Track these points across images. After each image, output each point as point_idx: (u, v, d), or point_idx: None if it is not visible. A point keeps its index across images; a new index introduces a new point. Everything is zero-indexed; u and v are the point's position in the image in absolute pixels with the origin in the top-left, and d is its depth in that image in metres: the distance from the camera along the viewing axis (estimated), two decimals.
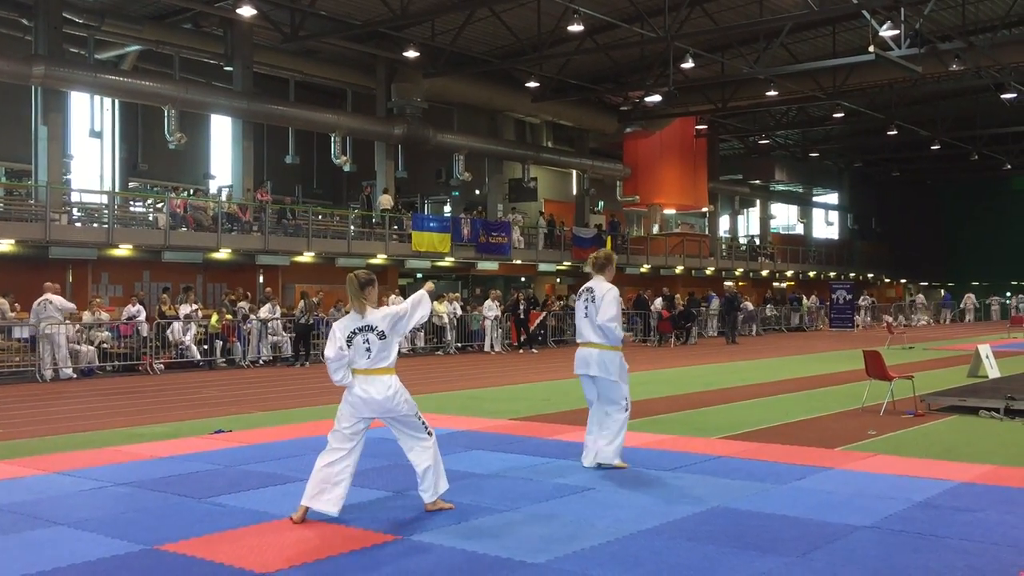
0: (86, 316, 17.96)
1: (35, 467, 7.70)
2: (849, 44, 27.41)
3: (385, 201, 26.93)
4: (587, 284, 7.58)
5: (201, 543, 5.36)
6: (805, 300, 37.72)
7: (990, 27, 25.90)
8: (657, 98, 30.56)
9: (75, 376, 16.68)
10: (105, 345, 17.91)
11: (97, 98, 25.87)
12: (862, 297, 38.10)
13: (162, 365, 18.06)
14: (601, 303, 7.29)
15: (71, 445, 9.03)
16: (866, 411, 11.15)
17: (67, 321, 16.95)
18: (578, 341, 7.59)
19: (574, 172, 36.02)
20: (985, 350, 15.47)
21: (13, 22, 22.21)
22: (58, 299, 16.76)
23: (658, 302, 27.66)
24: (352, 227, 26.02)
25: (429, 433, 6.07)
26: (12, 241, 19.13)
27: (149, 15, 24.22)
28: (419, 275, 30.86)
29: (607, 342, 7.31)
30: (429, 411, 11.39)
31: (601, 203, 37.43)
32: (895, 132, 37.05)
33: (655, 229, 38.01)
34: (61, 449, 8.75)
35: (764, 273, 43.30)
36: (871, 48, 22.55)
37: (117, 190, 25.77)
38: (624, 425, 7.47)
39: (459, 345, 23.97)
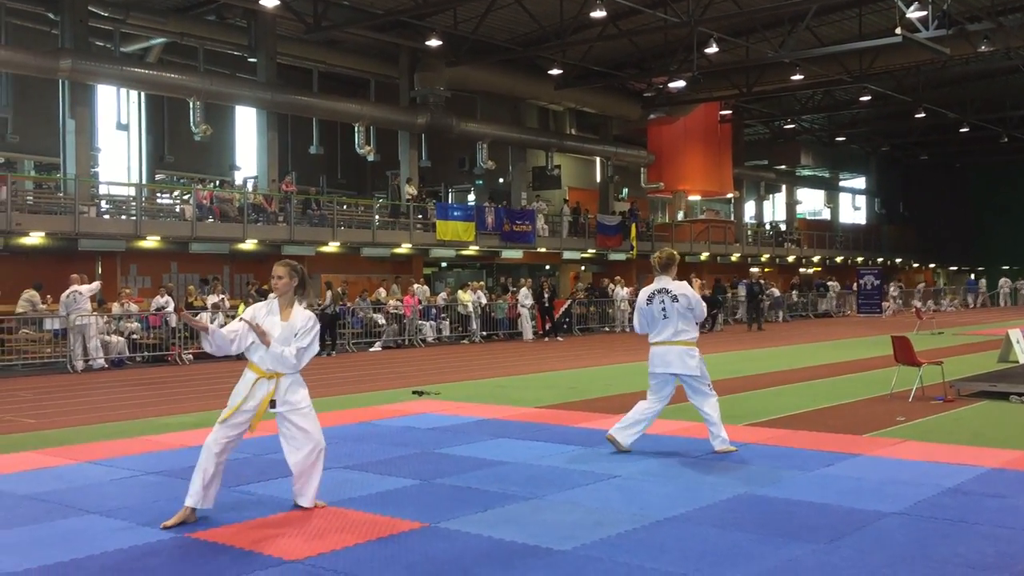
0: (115, 307, 18.16)
1: (67, 456, 7.81)
2: (876, 26, 27.05)
3: (409, 190, 26.98)
4: (656, 285, 7.70)
5: (231, 531, 5.42)
6: (835, 285, 37.41)
7: (1019, 7, 25.49)
8: (681, 84, 30.36)
9: (107, 366, 16.89)
10: (135, 336, 18.11)
11: (123, 91, 26.07)
12: (893, 286, 37.72)
13: (191, 355, 18.24)
14: (691, 300, 7.55)
15: (102, 435, 9.14)
16: (895, 397, 11.06)
17: (96, 313, 17.15)
18: (656, 340, 7.67)
19: (598, 159, 35.90)
20: (1016, 335, 15.28)
21: (40, 16, 22.42)
22: (85, 287, 16.98)
23: None
24: (377, 217, 26.09)
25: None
26: (42, 234, 19.35)
27: (173, 7, 24.36)
28: (443, 264, 30.96)
29: (686, 338, 7.56)
30: (456, 399, 11.46)
31: (625, 190, 37.29)
32: (923, 115, 36.57)
33: (680, 216, 37.82)
34: (92, 439, 8.87)
35: (791, 259, 42.98)
36: (898, 30, 22.26)
37: (144, 182, 25.99)
38: (718, 409, 7.66)
39: (484, 334, 24.00)
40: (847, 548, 4.95)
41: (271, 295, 5.98)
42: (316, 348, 5.91)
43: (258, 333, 5.63)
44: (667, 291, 7.57)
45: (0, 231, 18.60)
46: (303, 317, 5.79)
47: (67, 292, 16.72)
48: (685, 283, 7.67)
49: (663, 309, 7.57)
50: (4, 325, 17.17)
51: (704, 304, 7.71)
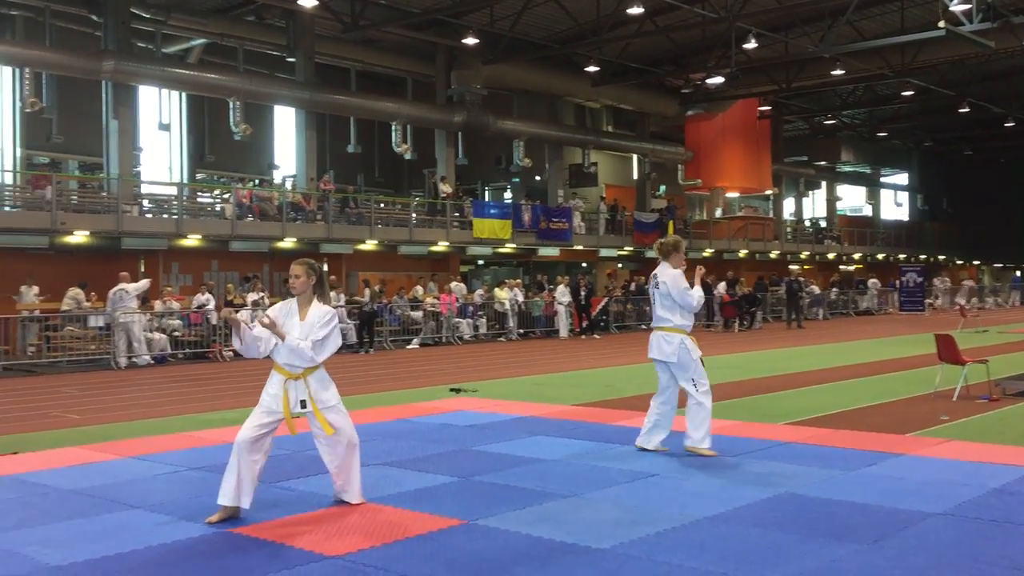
0: (158, 305, 18.43)
1: (111, 452, 7.94)
2: (918, 19, 26.64)
3: (445, 188, 27.07)
4: (655, 271, 7.71)
5: (272, 527, 5.47)
6: (875, 283, 36.93)
7: None
8: (719, 80, 30.13)
9: (150, 363, 17.14)
10: (176, 333, 18.36)
11: (165, 91, 26.44)
12: (940, 280, 37.13)
13: (231, 352, 18.44)
14: (670, 287, 7.44)
15: (146, 431, 9.28)
16: (938, 396, 10.89)
17: (140, 310, 17.41)
18: (651, 325, 7.81)
19: (635, 156, 35.74)
20: None
21: (83, 18, 22.80)
22: (132, 285, 17.25)
23: (721, 286, 27.35)
24: (414, 215, 26.21)
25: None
26: (86, 233, 19.68)
27: (213, 8, 24.66)
28: (480, 262, 31.02)
29: (667, 325, 7.48)
30: (493, 397, 11.48)
31: (663, 187, 37.10)
32: (967, 110, 35.97)
33: (718, 213, 37.54)
34: (136, 434, 9.00)
35: (831, 256, 42.48)
36: (941, 23, 21.89)
37: (185, 181, 26.34)
38: (701, 408, 7.43)
39: (521, 331, 24.01)
40: (890, 549, 4.88)
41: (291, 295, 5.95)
42: (337, 341, 5.86)
43: (269, 327, 5.64)
44: (656, 277, 7.63)
45: (46, 230, 18.95)
46: (320, 312, 5.77)
47: (114, 289, 16.99)
48: (675, 271, 7.54)
49: (653, 295, 7.67)
50: (50, 322, 17.50)
51: (695, 294, 7.40)
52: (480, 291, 24.87)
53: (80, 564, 4.79)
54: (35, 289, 18.06)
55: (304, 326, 5.72)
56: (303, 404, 5.72)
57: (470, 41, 24.71)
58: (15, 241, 18.92)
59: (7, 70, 22.82)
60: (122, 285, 17.07)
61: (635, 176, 36.28)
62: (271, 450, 5.82)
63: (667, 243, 7.75)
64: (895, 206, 53.05)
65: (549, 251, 29.36)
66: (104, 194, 21.76)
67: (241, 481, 5.57)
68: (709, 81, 30.70)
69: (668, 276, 7.49)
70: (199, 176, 28.36)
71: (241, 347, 5.79)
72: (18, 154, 23.75)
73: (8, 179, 22.72)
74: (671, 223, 32.08)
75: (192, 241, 21.37)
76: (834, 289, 35.36)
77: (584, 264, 32.53)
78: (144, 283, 17.61)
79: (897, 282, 36.52)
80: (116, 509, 5.95)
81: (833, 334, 23.77)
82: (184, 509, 5.90)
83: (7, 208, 20.60)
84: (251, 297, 19.53)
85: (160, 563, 4.83)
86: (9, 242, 18.81)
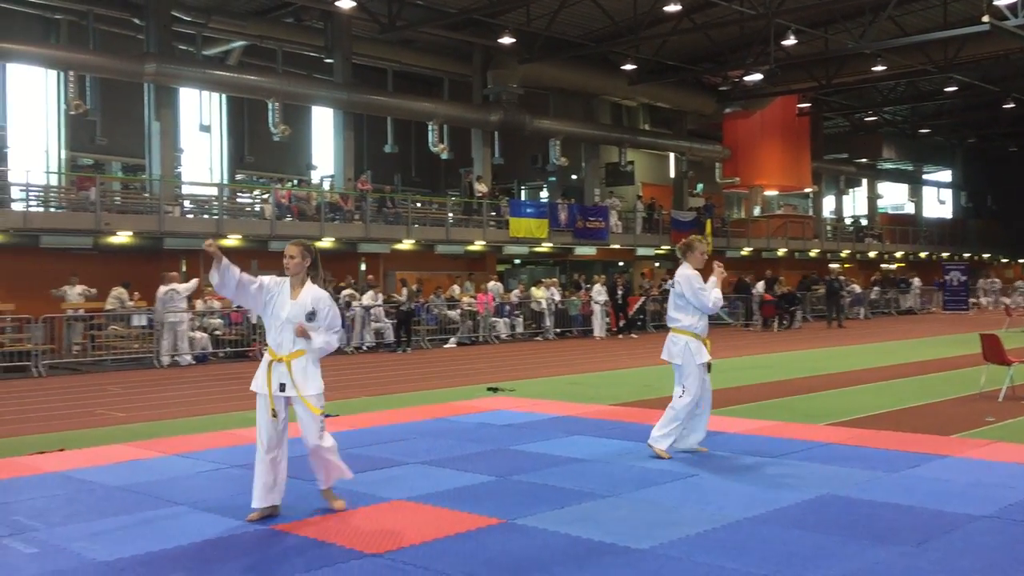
0: (199, 304, 18.66)
1: (155, 449, 8.06)
2: (961, 14, 26.18)
3: (479, 188, 27.13)
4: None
5: (313, 524, 5.53)
6: (917, 282, 36.42)
7: None
8: (758, 77, 29.87)
9: (192, 362, 17.37)
10: (217, 332, 18.59)
11: (205, 93, 26.76)
12: (990, 280, 36.47)
13: None
14: (683, 286, 7.45)
15: (188, 428, 9.41)
16: (983, 397, 10.71)
17: (187, 310, 17.66)
18: None
19: (672, 155, 35.55)
20: None
21: (126, 22, 23.15)
22: (182, 285, 17.52)
23: (759, 285, 27.13)
24: (450, 214, 26.29)
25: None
26: (129, 233, 19.98)
27: (253, 11, 24.92)
28: (517, 261, 31.04)
29: (675, 325, 7.50)
30: (530, 396, 11.48)
31: (700, 186, 36.85)
32: (1011, 105, 35.31)
33: (756, 211, 37.20)
34: (179, 432, 9.13)
35: (872, 255, 41.94)
36: (985, 18, 21.52)
37: (225, 182, 26.65)
38: (672, 412, 7.34)
39: (557, 331, 23.98)
40: (935, 552, 4.81)
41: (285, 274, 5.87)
42: (338, 322, 5.82)
43: (300, 333, 5.63)
44: (674, 276, 7.67)
45: (90, 231, 19.28)
46: (314, 297, 5.70)
47: (165, 289, 17.23)
48: (690, 271, 7.48)
49: (670, 295, 7.71)
50: (94, 322, 17.80)
51: (710, 294, 7.30)
52: (516, 290, 24.88)
53: (126, 559, 4.86)
54: (78, 288, 18.36)
55: (296, 305, 5.69)
56: (282, 387, 5.67)
57: (506, 40, 24.72)
58: (61, 241, 19.27)
59: (52, 74, 23.24)
60: (173, 285, 17.33)
61: (672, 175, 36.08)
62: (286, 442, 5.79)
63: (684, 244, 7.75)
64: (938, 203, 52.21)
65: (585, 250, 29.30)
66: (146, 195, 22.08)
67: (266, 482, 5.63)
68: (747, 78, 30.43)
69: (682, 276, 7.47)
70: (239, 177, 28.67)
71: (216, 282, 5.70)
72: (63, 156, 24.18)
73: (54, 180, 23.14)
74: (709, 222, 31.91)
75: (232, 241, 21.60)
76: (875, 288, 34.89)
77: (621, 263, 32.42)
78: (193, 283, 17.87)
79: (940, 281, 35.99)
80: (160, 505, 6.04)
81: (875, 334, 23.47)
82: (226, 506, 5.97)
83: (53, 209, 20.98)
84: None
85: (203, 559, 4.90)
86: (55, 242, 19.16)
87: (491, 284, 24.06)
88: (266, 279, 5.84)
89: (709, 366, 7.49)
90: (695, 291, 7.35)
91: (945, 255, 44.07)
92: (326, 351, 5.74)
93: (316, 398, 5.71)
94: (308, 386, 5.68)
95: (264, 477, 5.64)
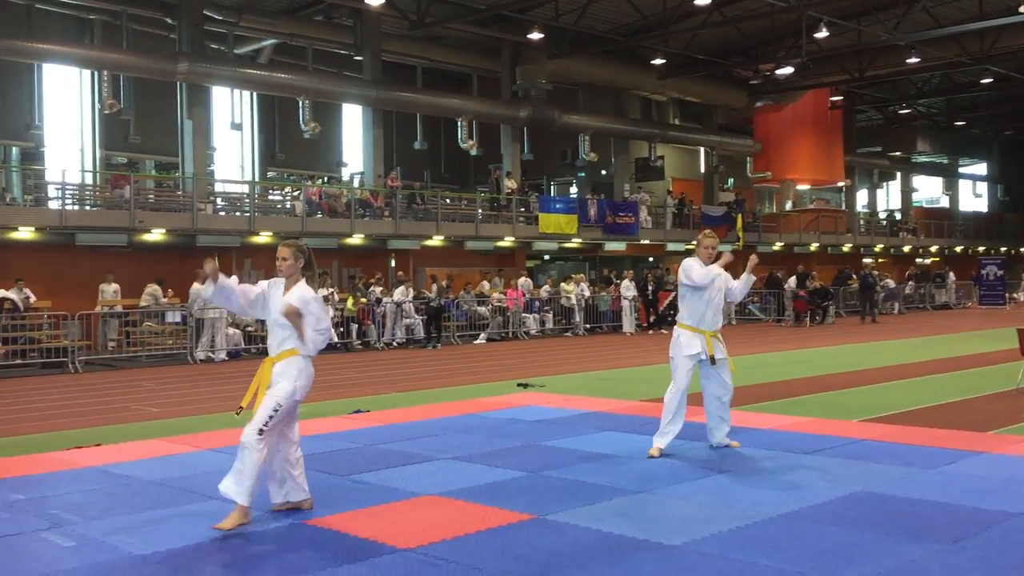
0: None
1: (190, 444, 8.14)
2: (997, 4, 25.76)
3: (508, 184, 27.12)
4: None
5: (345, 518, 5.56)
6: (952, 276, 35.95)
7: None
8: (789, 70, 29.60)
9: (225, 358, 17.54)
10: (249, 328, 18.74)
11: (236, 92, 26.98)
12: None
13: None
14: (681, 277, 7.50)
15: (222, 423, 9.48)
16: (1021, 392, 10.57)
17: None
18: None
19: (702, 149, 35.33)
20: None
21: (158, 21, 23.39)
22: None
23: (791, 281, 26.90)
24: (480, 210, 26.31)
25: None
26: (163, 230, 20.21)
27: (283, 9, 25.06)
28: (546, 256, 31.01)
29: (679, 318, 7.62)
30: (562, 392, 11.48)
31: (731, 180, 36.58)
32: None
33: (788, 205, 36.88)
34: (213, 427, 9.22)
35: (906, 249, 41.44)
36: (1022, 8, 21.16)
37: (257, 180, 26.86)
38: (664, 406, 7.41)
39: (587, 327, 23.94)
40: (972, 549, 4.75)
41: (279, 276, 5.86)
42: (324, 323, 5.70)
43: (290, 313, 5.53)
44: None
45: (124, 228, 19.51)
46: (300, 297, 5.59)
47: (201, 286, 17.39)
48: (688, 260, 7.48)
49: None
50: (129, 318, 18.02)
51: (693, 275, 7.24)
52: (546, 286, 24.86)
53: (162, 553, 4.92)
54: (114, 286, 18.62)
55: (284, 299, 5.67)
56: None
57: (535, 36, 24.69)
58: (96, 239, 19.53)
59: (87, 74, 23.54)
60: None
61: (702, 169, 35.85)
62: (280, 439, 5.58)
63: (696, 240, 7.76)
64: (973, 197, 51.48)
65: (615, 246, 29.20)
66: (179, 193, 22.31)
67: (273, 479, 5.63)
68: (779, 72, 30.16)
69: (682, 264, 7.53)
70: (270, 174, 28.89)
71: (217, 300, 5.72)
72: (98, 155, 24.50)
73: (89, 179, 23.46)
74: (739, 216, 31.67)
75: (264, 238, 21.77)
76: (910, 283, 34.48)
77: (651, 259, 32.28)
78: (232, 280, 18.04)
79: (976, 275, 35.48)
80: (195, 500, 6.10)
81: (909, 329, 23.20)
82: (259, 501, 5.99)
83: (88, 207, 21.27)
84: (321, 292, 19.81)
85: (237, 552, 4.94)
86: (91, 240, 19.42)
87: (521, 280, 24.05)
88: (264, 283, 5.85)
89: (713, 360, 7.35)
90: (684, 270, 7.37)
91: (981, 249, 43.44)
92: (310, 350, 5.63)
93: (284, 395, 5.46)
94: (278, 383, 5.51)
95: (267, 471, 5.57)
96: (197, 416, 10.23)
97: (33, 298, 17.55)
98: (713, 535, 5.06)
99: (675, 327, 7.57)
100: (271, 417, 5.39)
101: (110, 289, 18.54)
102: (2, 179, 21.28)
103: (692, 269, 7.33)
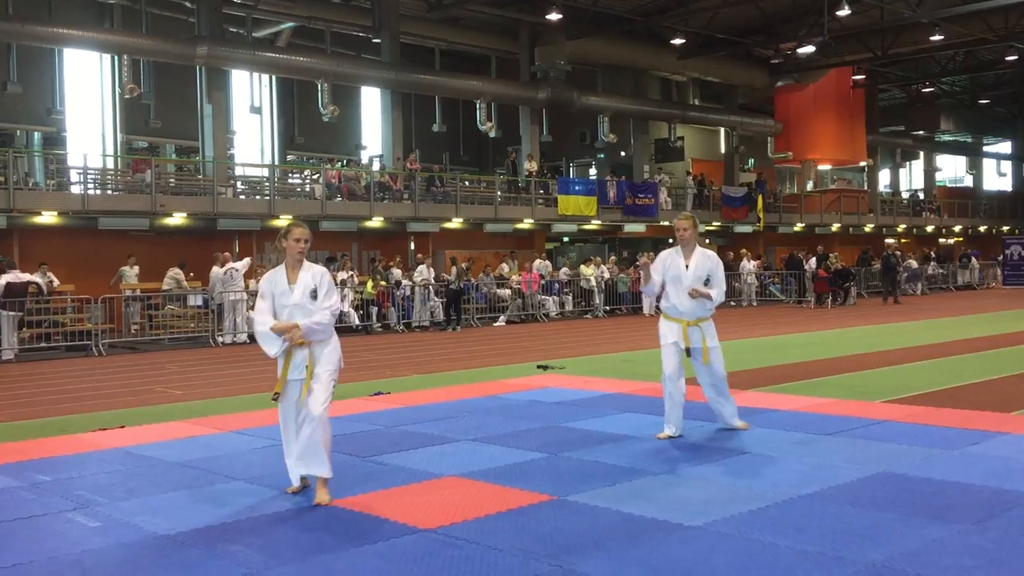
0: (252, 284, 18.93)
1: (213, 426, 8.21)
2: None
3: (527, 166, 27.06)
4: None
5: (367, 499, 5.59)
6: (974, 259, 35.62)
7: None
8: (810, 49, 29.28)
9: (246, 341, 17.64)
10: None
11: (256, 75, 27.03)
12: None
13: None
14: None
15: (244, 406, 9.56)
16: None
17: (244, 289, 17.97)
18: None
19: (722, 130, 35.09)
20: None
21: (177, 5, 23.46)
22: (239, 263, 17.84)
23: (812, 261, 26.74)
24: (499, 193, 26.28)
25: None
26: (184, 214, 20.33)
27: None
28: (565, 239, 30.96)
29: None
30: (582, 374, 11.47)
31: (751, 160, 36.33)
32: None
33: (809, 186, 36.60)
34: (235, 410, 9.28)
35: (929, 229, 41.07)
36: None
37: (276, 163, 26.93)
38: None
39: (607, 308, 23.90)
40: (995, 530, 4.71)
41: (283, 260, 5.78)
42: (334, 298, 5.70)
43: (282, 331, 5.56)
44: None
45: (146, 212, 19.65)
46: (314, 274, 5.63)
47: (224, 268, 17.55)
48: (666, 251, 7.49)
49: None
50: (151, 301, 18.16)
51: (653, 269, 7.31)
52: (564, 268, 24.80)
53: (186, 533, 4.97)
54: (135, 269, 18.76)
55: (299, 287, 5.64)
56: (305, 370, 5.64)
57: (553, 17, 24.55)
58: (118, 223, 19.67)
59: (107, 58, 23.65)
60: (231, 264, 17.64)
61: (723, 150, 35.62)
62: (302, 416, 5.64)
63: None
64: (998, 176, 50.88)
65: (635, 227, 29.11)
66: (200, 177, 22.42)
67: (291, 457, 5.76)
68: (800, 51, 29.85)
69: None
70: (289, 158, 28.97)
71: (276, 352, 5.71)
72: (119, 139, 24.64)
73: (110, 164, 23.61)
74: (760, 197, 31.49)
75: (284, 221, 21.82)
76: (931, 263, 34.18)
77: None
78: (247, 261, 18.21)
79: (997, 256, 35.15)
80: (218, 481, 6.16)
81: (932, 309, 23.02)
82: (282, 482, 6.06)
83: (110, 192, 21.41)
84: (340, 276, 19.88)
85: (259, 532, 4.98)
86: (113, 224, 19.57)
87: (537, 263, 24.02)
88: (265, 286, 5.76)
89: (688, 351, 7.17)
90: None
91: (1005, 229, 42.96)
92: (318, 330, 5.61)
93: (335, 368, 5.73)
94: (323, 360, 5.68)
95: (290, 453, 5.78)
96: (219, 399, 10.30)
97: (56, 282, 17.73)
98: (734, 516, 5.05)
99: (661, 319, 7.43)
100: (331, 392, 5.71)
101: (132, 272, 18.68)
102: (25, 164, 21.45)
103: (654, 267, 7.26)
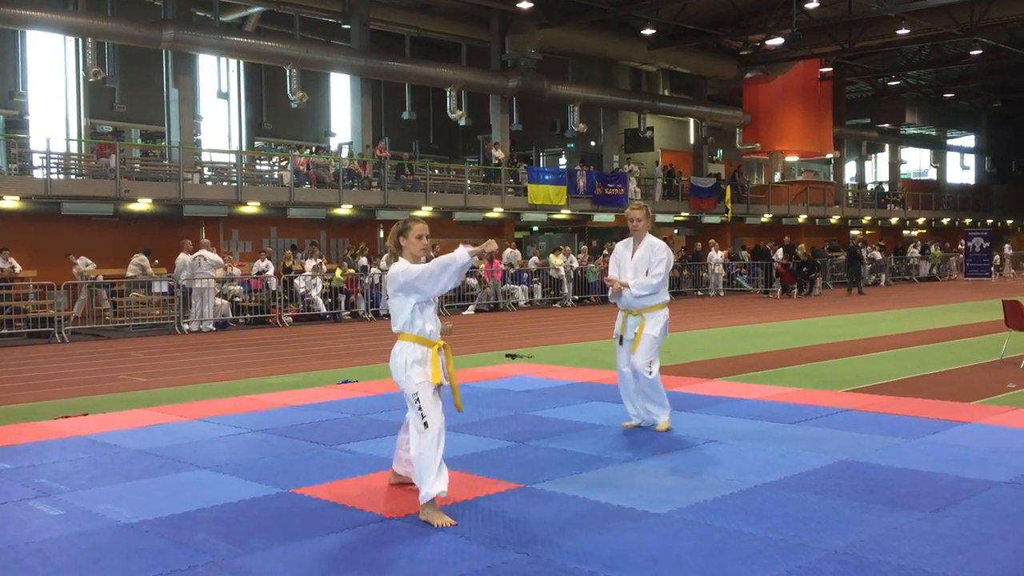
0: (219, 271, 18.78)
1: (178, 414, 8.14)
2: None
3: (496, 154, 27.02)
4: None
5: (333, 487, 5.58)
6: (935, 249, 36.13)
7: None
8: (779, 41, 29.47)
9: (212, 329, 17.51)
10: (237, 299, 18.70)
11: (223, 60, 26.73)
12: (1007, 246, 36.15)
13: (290, 318, 18.75)
14: None
15: (209, 394, 9.50)
16: (1005, 363, 10.64)
17: (213, 276, 17.79)
18: None
19: (691, 120, 35.25)
20: None
21: None
22: (212, 255, 17.64)
23: (779, 252, 26.98)
24: (469, 181, 26.23)
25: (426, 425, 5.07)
26: (149, 200, 20.08)
27: None
28: (535, 228, 30.99)
29: None
30: (550, 363, 11.51)
31: (720, 152, 36.54)
32: None
33: (776, 177, 36.91)
34: (200, 397, 9.22)
35: (893, 221, 41.56)
36: None
37: (244, 149, 26.67)
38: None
39: (576, 298, 23.97)
40: (954, 517, 4.80)
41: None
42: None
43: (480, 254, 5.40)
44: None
45: (110, 198, 19.38)
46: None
47: (194, 255, 17.37)
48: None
49: None
50: (116, 288, 17.94)
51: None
52: (534, 257, 24.82)
53: (150, 521, 4.93)
54: (83, 259, 18.23)
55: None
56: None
57: (525, 5, 24.51)
58: (82, 209, 19.39)
59: (71, 41, 23.24)
60: (201, 252, 17.45)
61: (692, 141, 35.80)
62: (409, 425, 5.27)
63: None
64: (961, 169, 51.62)
65: (604, 217, 29.19)
66: (166, 162, 22.15)
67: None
68: (769, 42, 30.03)
69: None
70: (257, 144, 28.70)
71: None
72: (83, 123, 24.26)
73: (74, 148, 23.24)
74: (728, 188, 31.70)
75: (251, 208, 21.67)
76: (893, 255, 34.60)
77: None
78: (219, 259, 18.03)
79: (954, 249, 35.70)
80: (183, 469, 6.11)
81: (895, 300, 23.33)
82: (248, 470, 6.04)
83: (74, 176, 21.09)
84: (309, 264, 19.78)
85: (225, 521, 4.96)
86: (76, 210, 19.28)
87: (508, 252, 24.01)
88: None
89: (620, 339, 7.06)
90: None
91: (968, 221, 43.62)
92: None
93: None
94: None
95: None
96: (185, 386, 10.21)
97: (18, 268, 17.45)
98: (698, 503, 5.10)
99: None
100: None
101: (81, 263, 18.14)
102: None
103: (611, 265, 7.26)
